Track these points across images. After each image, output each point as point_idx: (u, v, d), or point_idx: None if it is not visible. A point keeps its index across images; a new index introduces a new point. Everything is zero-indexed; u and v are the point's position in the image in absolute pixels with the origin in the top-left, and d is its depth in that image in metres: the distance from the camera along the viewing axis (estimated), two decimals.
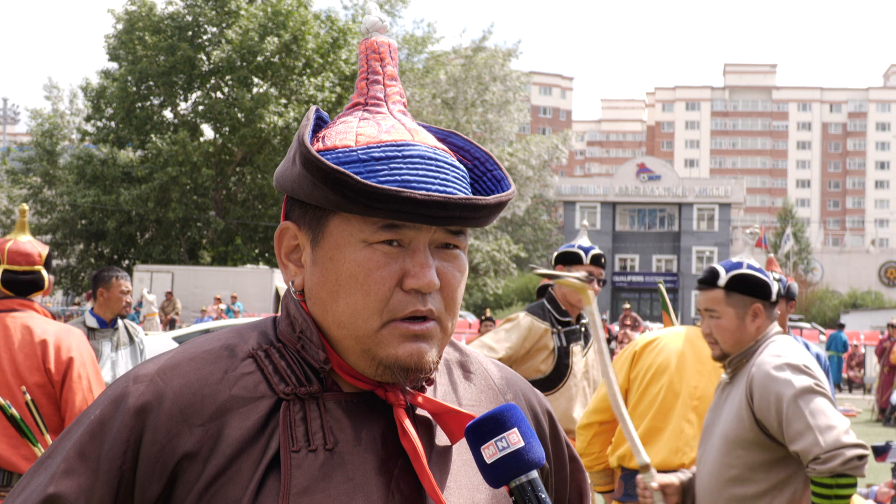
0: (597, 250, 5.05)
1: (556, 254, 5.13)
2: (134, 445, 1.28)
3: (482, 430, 1.28)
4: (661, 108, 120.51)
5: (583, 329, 5.05)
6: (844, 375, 28.29)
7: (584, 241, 5.11)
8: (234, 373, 1.32)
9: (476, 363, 1.50)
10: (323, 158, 1.27)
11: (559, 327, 4.96)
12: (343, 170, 1.25)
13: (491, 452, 1.26)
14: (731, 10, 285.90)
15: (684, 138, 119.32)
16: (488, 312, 15.21)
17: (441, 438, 1.37)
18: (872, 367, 25.59)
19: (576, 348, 4.99)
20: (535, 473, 1.26)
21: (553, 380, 4.90)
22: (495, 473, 1.26)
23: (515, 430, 1.27)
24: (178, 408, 1.28)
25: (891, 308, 41.33)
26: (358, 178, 1.25)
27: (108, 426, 1.29)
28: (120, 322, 6.38)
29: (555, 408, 4.83)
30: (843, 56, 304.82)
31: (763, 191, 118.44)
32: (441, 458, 1.35)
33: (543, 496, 1.26)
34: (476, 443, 1.28)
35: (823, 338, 31.99)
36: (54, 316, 4.45)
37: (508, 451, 1.26)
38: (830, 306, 50.62)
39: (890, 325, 20.91)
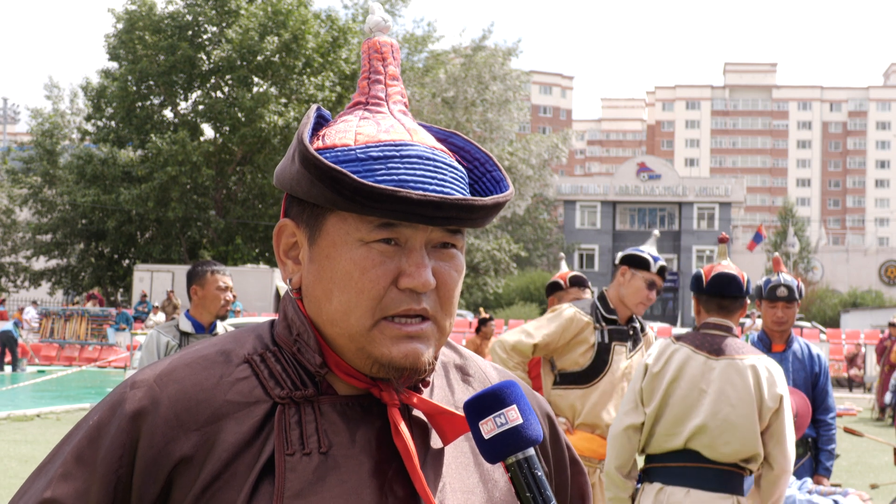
0: (663, 262, 5.11)
1: (623, 254, 5.17)
2: (130, 450, 1.29)
3: (481, 405, 1.27)
4: (661, 107, 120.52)
5: (631, 332, 5.10)
6: (845, 374, 28.30)
7: (653, 249, 5.14)
8: (230, 378, 1.33)
9: (475, 367, 1.49)
10: (320, 156, 1.27)
11: (603, 324, 5.03)
12: (340, 168, 1.26)
13: (489, 428, 1.26)
14: (731, 10, 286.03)
15: (684, 137, 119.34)
16: (482, 312, 14.84)
17: (436, 441, 1.37)
18: (872, 366, 25.59)
19: (620, 348, 5.05)
20: (531, 451, 1.26)
21: (589, 374, 4.99)
22: (492, 449, 1.26)
23: (514, 406, 1.26)
24: (174, 413, 1.29)
25: (891, 307, 41.28)
26: (354, 176, 1.25)
27: (105, 431, 1.30)
28: (220, 325, 5.49)
29: (585, 403, 4.97)
30: (844, 55, 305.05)
31: (763, 190, 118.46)
32: (435, 460, 1.35)
33: (539, 474, 1.26)
34: (474, 418, 1.28)
35: (824, 337, 32.01)
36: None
37: (506, 427, 1.25)
38: (830, 305, 50.62)
39: (890, 324, 20.92)
